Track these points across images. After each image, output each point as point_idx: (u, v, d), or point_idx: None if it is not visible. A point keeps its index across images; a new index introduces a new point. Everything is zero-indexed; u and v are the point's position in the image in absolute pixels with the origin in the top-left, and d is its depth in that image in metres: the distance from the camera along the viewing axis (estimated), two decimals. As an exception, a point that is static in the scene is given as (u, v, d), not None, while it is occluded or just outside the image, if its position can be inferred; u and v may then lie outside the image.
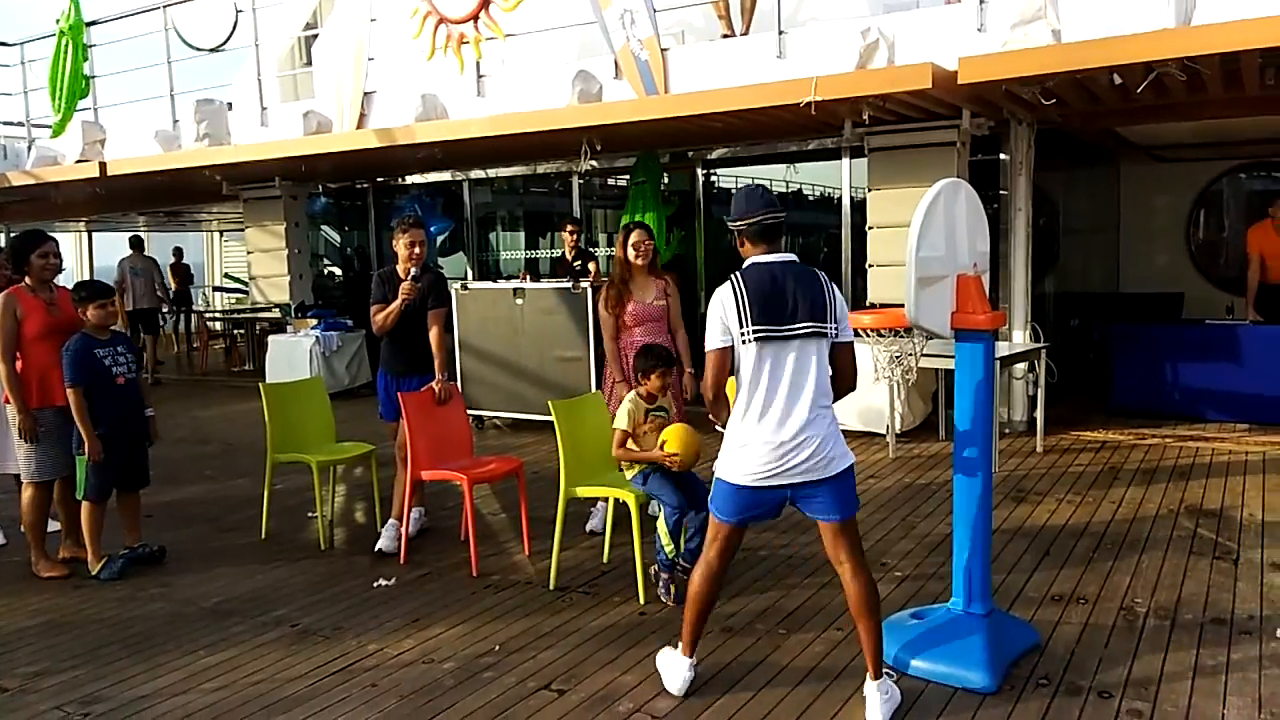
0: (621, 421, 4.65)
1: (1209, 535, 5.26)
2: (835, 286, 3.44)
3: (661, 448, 4.51)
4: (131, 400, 5.25)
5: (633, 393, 4.77)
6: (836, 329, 3.37)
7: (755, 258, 3.42)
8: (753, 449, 3.32)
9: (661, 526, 4.54)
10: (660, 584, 4.57)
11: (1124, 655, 3.84)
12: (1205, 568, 4.78)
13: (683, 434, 4.54)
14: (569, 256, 9.30)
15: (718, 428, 3.52)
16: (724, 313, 3.33)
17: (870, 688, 3.41)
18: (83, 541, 5.25)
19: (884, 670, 3.46)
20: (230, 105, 11.20)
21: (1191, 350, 8.17)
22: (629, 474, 4.71)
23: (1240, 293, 8.94)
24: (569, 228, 9.38)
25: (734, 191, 3.51)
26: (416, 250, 5.46)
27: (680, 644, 3.66)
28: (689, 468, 4.57)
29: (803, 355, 3.32)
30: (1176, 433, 7.73)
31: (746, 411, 3.34)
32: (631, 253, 5.53)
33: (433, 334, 5.51)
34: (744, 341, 3.30)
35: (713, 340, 3.36)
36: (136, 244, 13.73)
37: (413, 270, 5.44)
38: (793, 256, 3.45)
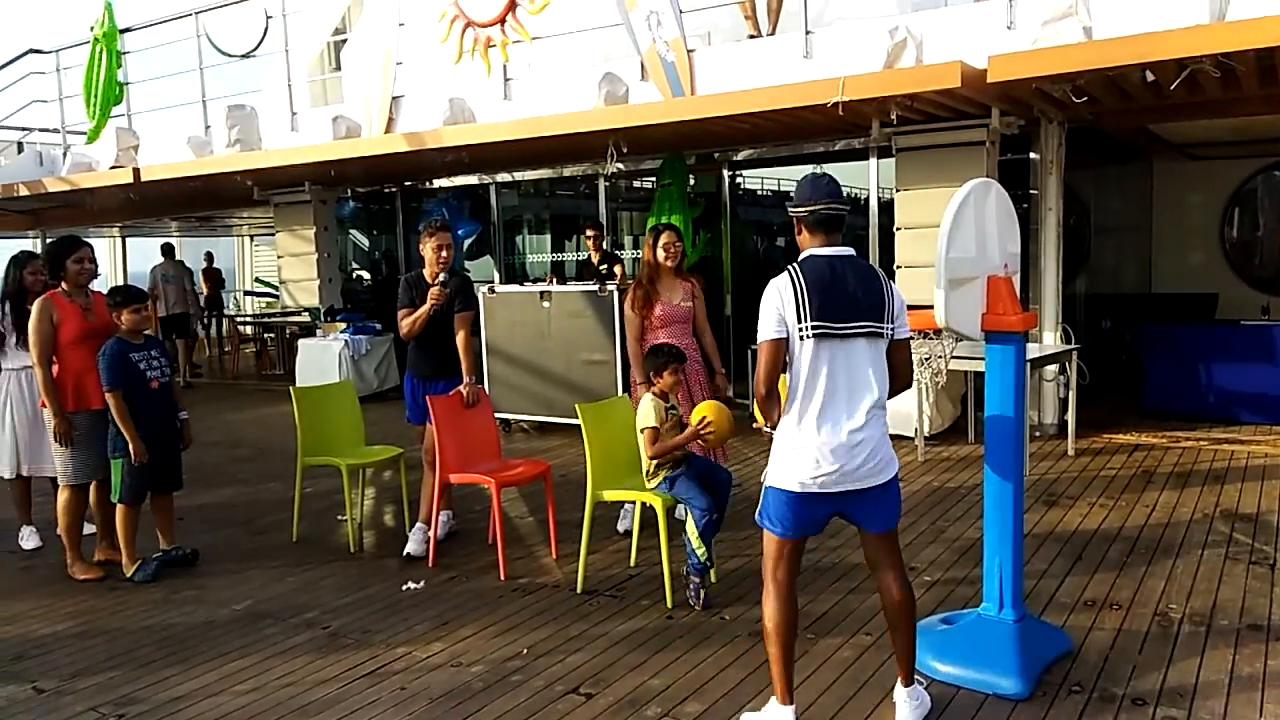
0: (649, 419, 4.62)
1: (1245, 540, 5.18)
2: (893, 283, 3.32)
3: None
4: (165, 404, 5.31)
5: (648, 394, 4.77)
6: (893, 328, 3.25)
7: (814, 249, 3.26)
8: (808, 452, 3.19)
9: (691, 530, 4.52)
10: (691, 589, 4.56)
11: (1158, 662, 3.80)
12: (1241, 573, 4.70)
13: (714, 406, 4.58)
14: (594, 259, 9.32)
15: (765, 429, 3.40)
16: (781, 304, 3.18)
17: (900, 694, 3.38)
18: (117, 544, 5.32)
19: (915, 677, 3.43)
20: (247, 108, 11.25)
21: (1226, 351, 8.05)
22: (652, 483, 4.69)
23: (1276, 292, 8.81)
24: (589, 231, 9.41)
25: (798, 181, 3.39)
26: (444, 254, 5.49)
27: (774, 694, 3.35)
28: (724, 440, 4.60)
29: (861, 355, 3.20)
30: (1211, 435, 7.63)
31: (801, 413, 3.20)
32: (661, 254, 5.55)
33: (460, 338, 5.53)
34: (802, 337, 3.15)
35: (766, 331, 3.19)
36: (168, 251, 13.96)
37: (440, 275, 5.46)
38: (851, 251, 3.31)
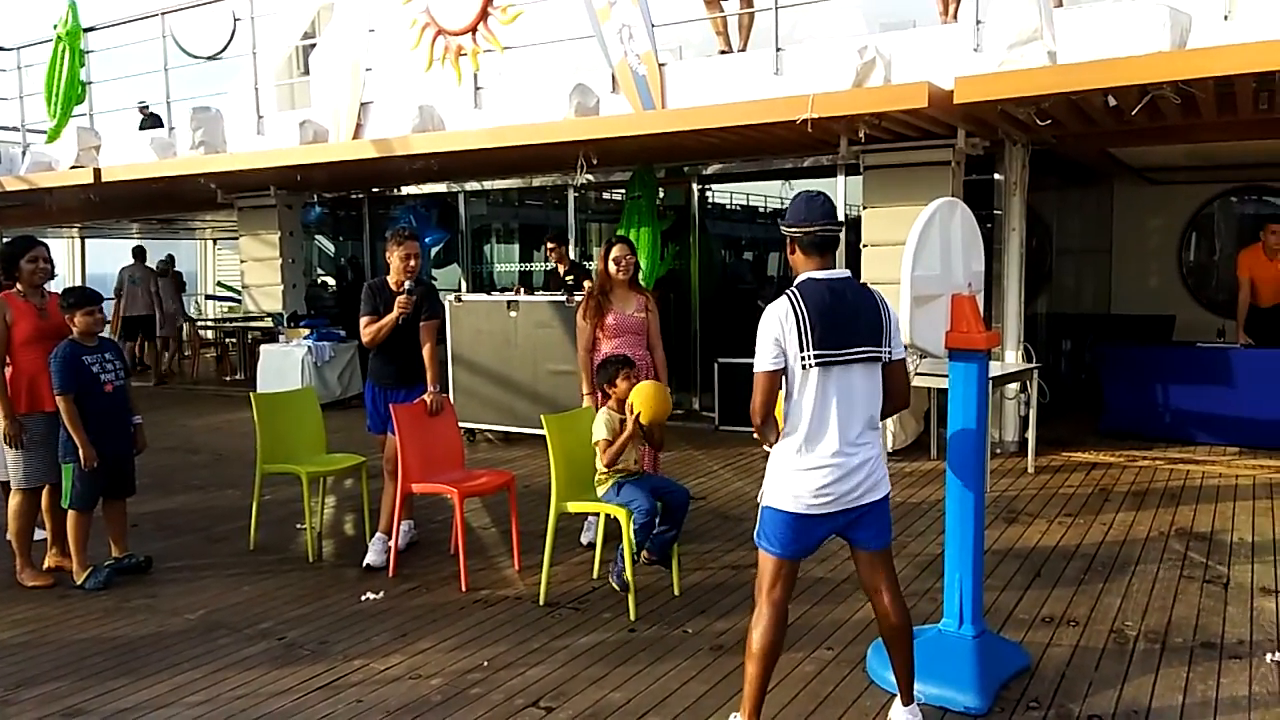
0: (601, 432, 4.71)
1: (1199, 558, 5.26)
2: (889, 304, 3.28)
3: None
4: (119, 408, 5.22)
5: (605, 408, 4.85)
6: (890, 350, 3.23)
7: (811, 273, 3.21)
8: (807, 474, 3.17)
9: (627, 527, 4.54)
10: (612, 572, 4.77)
11: (1114, 678, 3.83)
12: (1195, 591, 4.77)
13: (644, 388, 4.67)
14: (561, 271, 9.30)
15: (765, 448, 3.37)
16: (782, 333, 3.12)
17: (899, 713, 3.41)
18: (68, 551, 5.20)
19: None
20: (212, 110, 11.11)
21: (1182, 373, 8.18)
22: (600, 490, 4.75)
23: (1231, 316, 8.96)
24: (550, 245, 9.40)
25: (792, 199, 3.34)
26: (411, 263, 5.44)
27: (741, 713, 3.30)
28: (658, 417, 4.65)
29: (859, 379, 3.18)
30: (1167, 455, 7.74)
31: (801, 436, 3.17)
32: (613, 267, 5.61)
33: (426, 347, 5.49)
34: (804, 366, 3.11)
35: (763, 361, 3.15)
36: (138, 254, 14.00)
37: (407, 283, 5.42)
38: (848, 272, 3.30)
